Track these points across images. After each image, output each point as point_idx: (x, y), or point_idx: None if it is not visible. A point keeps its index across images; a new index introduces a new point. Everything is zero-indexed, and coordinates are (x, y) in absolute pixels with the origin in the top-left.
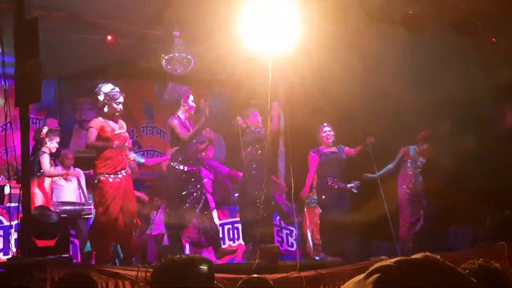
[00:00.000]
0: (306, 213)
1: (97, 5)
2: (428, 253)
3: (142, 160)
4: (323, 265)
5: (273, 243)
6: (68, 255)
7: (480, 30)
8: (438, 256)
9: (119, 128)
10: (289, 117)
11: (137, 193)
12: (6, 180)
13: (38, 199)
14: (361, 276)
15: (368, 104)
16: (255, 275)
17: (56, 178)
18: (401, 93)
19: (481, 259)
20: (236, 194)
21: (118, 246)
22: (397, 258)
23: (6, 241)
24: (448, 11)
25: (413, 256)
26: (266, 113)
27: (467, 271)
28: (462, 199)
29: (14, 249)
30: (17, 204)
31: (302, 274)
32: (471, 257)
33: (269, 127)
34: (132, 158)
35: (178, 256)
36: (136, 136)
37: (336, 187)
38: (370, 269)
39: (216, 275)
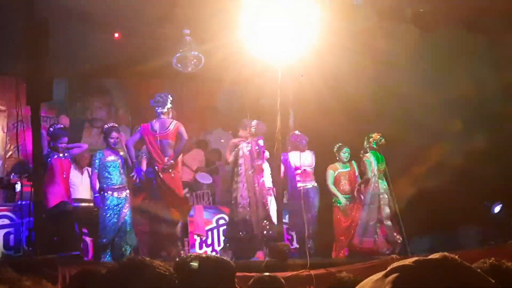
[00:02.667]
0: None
1: (107, 4)
2: (446, 253)
3: None
4: (333, 264)
5: (282, 241)
6: (79, 253)
7: (491, 28)
8: (457, 256)
9: None
10: (298, 116)
11: None
12: (17, 178)
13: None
14: (379, 274)
15: (378, 103)
16: (267, 274)
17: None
18: (412, 91)
19: (492, 258)
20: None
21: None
22: (415, 258)
23: (18, 238)
24: (459, 9)
25: (431, 256)
26: (275, 111)
27: (478, 270)
28: (472, 198)
29: (25, 247)
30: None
31: (312, 272)
32: (482, 256)
33: (279, 126)
34: None
35: (203, 254)
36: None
37: None
38: (388, 269)
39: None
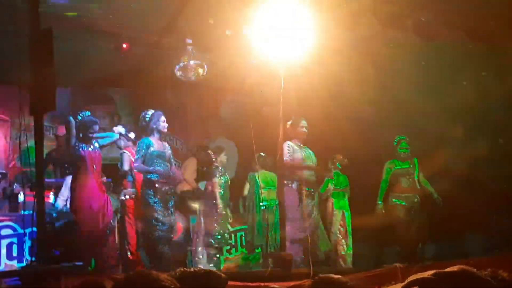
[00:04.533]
0: None
1: (111, 14)
2: (464, 266)
3: None
4: (336, 273)
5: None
6: (82, 263)
7: (493, 36)
8: (475, 269)
9: None
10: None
11: None
12: (20, 188)
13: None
14: (397, 286)
15: (381, 110)
16: (273, 285)
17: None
18: (414, 99)
19: (488, 269)
20: None
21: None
22: (434, 271)
23: (21, 249)
24: (460, 18)
25: (449, 269)
26: (278, 119)
27: (494, 282)
28: (476, 205)
29: (28, 257)
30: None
31: None
32: (486, 264)
33: (281, 134)
34: None
35: (197, 268)
36: None
37: None
38: (406, 281)
39: (229, 282)
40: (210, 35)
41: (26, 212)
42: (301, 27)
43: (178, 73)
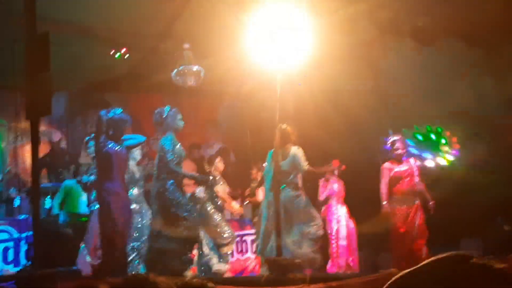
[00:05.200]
0: None
1: (108, 18)
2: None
3: None
4: (333, 278)
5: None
6: (78, 267)
7: (489, 41)
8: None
9: None
10: (298, 128)
11: None
12: (16, 192)
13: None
14: None
15: (378, 115)
16: None
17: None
18: (411, 104)
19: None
20: None
21: None
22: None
23: (16, 253)
24: (457, 23)
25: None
26: (275, 124)
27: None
28: (473, 210)
29: (24, 261)
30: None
31: (312, 287)
32: None
33: (277, 139)
34: None
35: (193, 278)
36: (147, 148)
37: None
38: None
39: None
40: (207, 40)
41: (22, 217)
42: (298, 32)
43: (175, 78)
